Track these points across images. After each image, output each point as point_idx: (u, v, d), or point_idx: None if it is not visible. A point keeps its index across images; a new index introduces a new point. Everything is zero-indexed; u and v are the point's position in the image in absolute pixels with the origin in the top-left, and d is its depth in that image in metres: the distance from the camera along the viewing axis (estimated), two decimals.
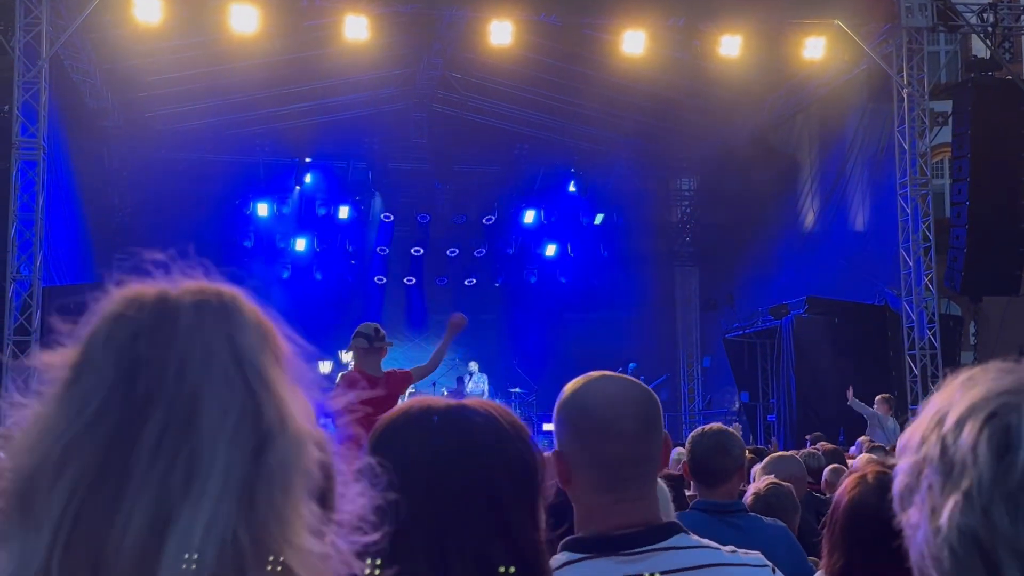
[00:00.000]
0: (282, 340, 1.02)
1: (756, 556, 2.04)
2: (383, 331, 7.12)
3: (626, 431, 1.98)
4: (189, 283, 1.03)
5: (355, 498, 1.08)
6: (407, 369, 7.41)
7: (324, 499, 1.02)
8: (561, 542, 1.97)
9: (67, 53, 15.78)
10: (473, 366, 20.06)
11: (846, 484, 2.59)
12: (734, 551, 2.02)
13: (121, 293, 1.02)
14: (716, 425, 4.24)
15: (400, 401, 7.06)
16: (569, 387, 2.07)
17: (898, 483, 1.08)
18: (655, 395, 2.11)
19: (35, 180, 14.03)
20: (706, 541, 1.99)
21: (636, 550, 1.93)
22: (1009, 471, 0.95)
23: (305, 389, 1.02)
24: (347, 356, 17.23)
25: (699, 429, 4.21)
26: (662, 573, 1.91)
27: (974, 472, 0.96)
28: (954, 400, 1.04)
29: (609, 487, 1.97)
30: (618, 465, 1.97)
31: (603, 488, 1.97)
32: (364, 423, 1.19)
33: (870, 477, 2.51)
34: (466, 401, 1.55)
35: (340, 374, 7.23)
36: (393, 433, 1.50)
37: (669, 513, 2.94)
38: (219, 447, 0.94)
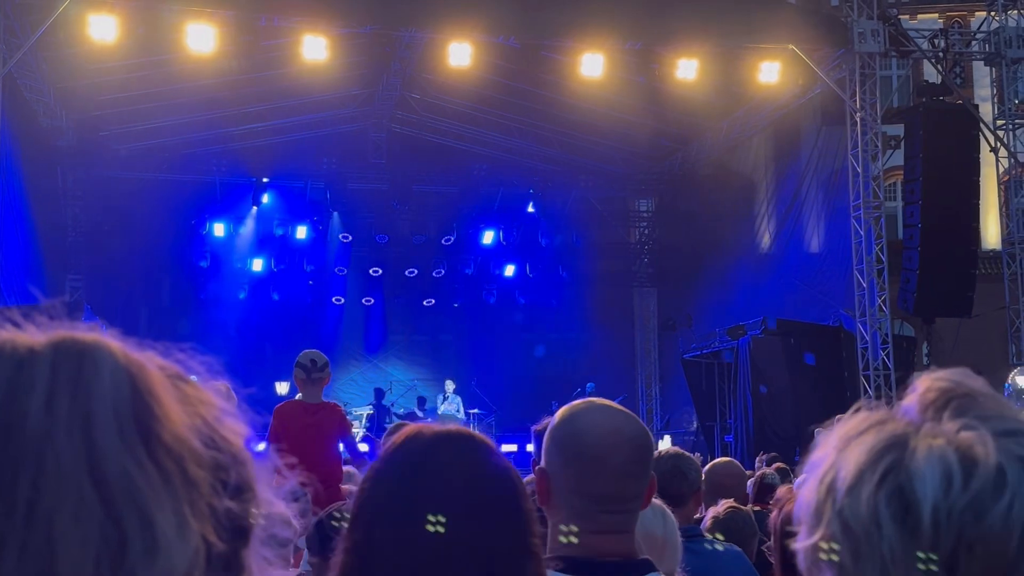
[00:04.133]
0: (160, 388, 0.83)
1: None
2: (321, 360, 7.03)
3: (616, 468, 1.95)
4: (40, 353, 0.83)
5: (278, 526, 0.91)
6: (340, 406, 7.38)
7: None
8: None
9: (21, 71, 15.57)
10: (449, 385, 19.73)
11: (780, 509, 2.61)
12: None
13: None
14: (673, 449, 4.25)
15: (334, 435, 7.03)
16: (566, 410, 2.03)
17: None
18: (650, 433, 2.07)
19: None
20: None
21: None
22: (914, 536, 0.93)
23: (204, 430, 0.85)
24: (282, 388, 16.84)
25: (655, 453, 4.20)
26: None
27: (883, 545, 0.94)
28: (837, 463, 1.00)
29: (590, 517, 1.94)
30: (603, 499, 1.94)
31: (584, 517, 1.94)
32: (293, 451, 1.14)
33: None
34: (473, 434, 1.51)
35: (277, 406, 7.12)
36: (396, 468, 1.47)
37: (667, 528, 2.95)
38: None
